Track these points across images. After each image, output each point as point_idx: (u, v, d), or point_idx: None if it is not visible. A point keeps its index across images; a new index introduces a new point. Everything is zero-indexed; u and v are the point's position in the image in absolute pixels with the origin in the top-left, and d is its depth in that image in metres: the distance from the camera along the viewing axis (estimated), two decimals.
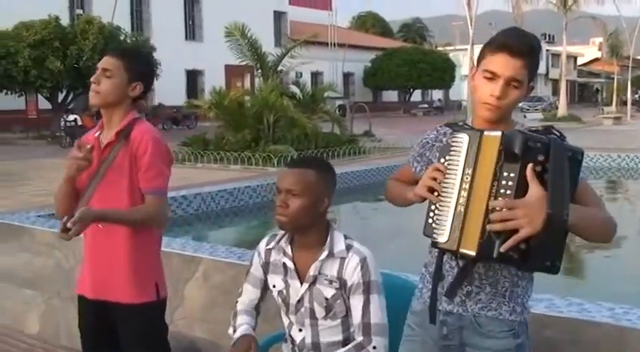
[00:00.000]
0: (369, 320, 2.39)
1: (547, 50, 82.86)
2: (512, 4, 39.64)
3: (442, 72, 53.81)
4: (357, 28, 75.32)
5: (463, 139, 2.03)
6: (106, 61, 2.82)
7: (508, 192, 1.88)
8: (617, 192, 14.03)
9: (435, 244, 2.05)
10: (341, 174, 11.52)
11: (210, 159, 16.83)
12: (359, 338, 2.40)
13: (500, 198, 1.87)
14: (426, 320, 2.21)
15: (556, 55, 77.68)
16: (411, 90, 56.04)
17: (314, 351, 2.51)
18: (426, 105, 55.59)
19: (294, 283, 2.50)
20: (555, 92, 72.57)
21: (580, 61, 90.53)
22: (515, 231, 1.83)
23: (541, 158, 1.87)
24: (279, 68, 20.15)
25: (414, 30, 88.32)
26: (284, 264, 2.53)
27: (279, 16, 49.91)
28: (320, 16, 51.11)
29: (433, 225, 2.04)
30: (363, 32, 69.30)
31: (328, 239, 2.47)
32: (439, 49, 67.56)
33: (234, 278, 3.85)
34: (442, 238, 2.01)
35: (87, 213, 2.64)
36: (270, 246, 2.60)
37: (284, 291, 2.53)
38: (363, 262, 2.42)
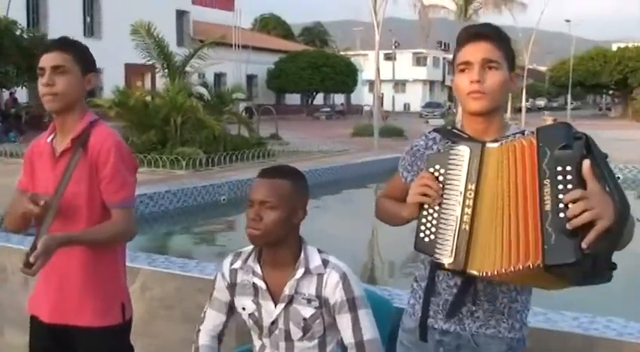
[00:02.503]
0: (362, 338, 2.26)
1: (444, 58, 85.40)
2: (419, 12, 40.56)
3: (345, 76, 54.27)
4: (259, 30, 74.97)
5: (464, 152, 1.93)
6: (55, 57, 2.50)
7: (569, 186, 1.71)
8: None
9: (438, 266, 1.94)
10: (247, 179, 11.40)
11: None
12: None
13: (561, 195, 1.70)
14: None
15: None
16: (314, 93, 56.29)
17: None
18: (328, 109, 55.91)
19: (267, 304, 2.33)
20: (451, 98, 74.82)
21: None
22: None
23: (584, 152, 1.74)
24: (186, 69, 19.74)
25: (315, 33, 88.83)
26: (254, 284, 2.35)
27: (181, 15, 48.94)
28: (223, 17, 50.50)
29: (435, 241, 1.93)
30: (265, 34, 69.11)
31: (302, 254, 2.31)
32: (341, 53, 68.16)
33: (176, 291, 3.65)
34: (446, 259, 1.90)
35: (50, 242, 2.32)
36: (235, 266, 2.40)
37: (255, 313, 2.36)
38: (344, 278, 2.28)
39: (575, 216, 1.65)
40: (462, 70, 2.03)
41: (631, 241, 1.91)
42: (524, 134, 2.06)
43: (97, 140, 2.53)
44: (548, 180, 1.73)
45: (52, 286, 2.58)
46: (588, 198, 1.66)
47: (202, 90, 20.28)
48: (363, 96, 63.31)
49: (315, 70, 51.74)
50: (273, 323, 2.33)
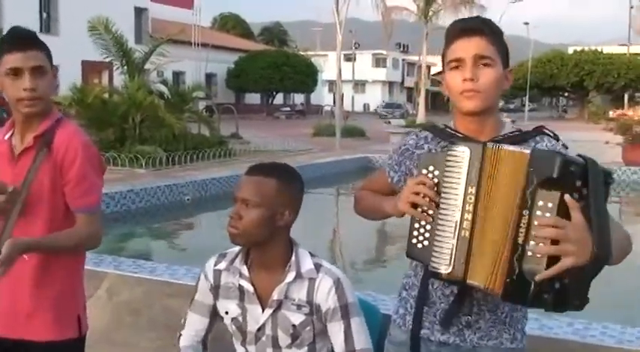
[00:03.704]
0: (354, 348, 2.12)
1: (403, 59, 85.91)
2: (382, 13, 40.56)
3: (305, 76, 54.11)
4: (219, 29, 74.46)
5: (464, 153, 1.77)
6: (34, 57, 2.27)
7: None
8: None
9: (436, 275, 1.77)
10: (212, 179, 11.20)
11: None
12: None
13: (534, 233, 1.60)
14: None
15: (411, 64, 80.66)
16: (274, 93, 56.03)
17: None
18: (288, 109, 55.72)
19: (254, 309, 2.17)
20: (410, 99, 75.24)
21: (433, 70, 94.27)
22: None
23: (578, 184, 1.61)
24: (146, 66, 19.37)
25: (275, 33, 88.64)
26: (240, 286, 2.18)
27: (139, 12, 48.21)
28: (182, 15, 49.81)
29: (430, 248, 1.77)
30: (224, 33, 68.58)
31: (293, 258, 2.15)
32: (301, 53, 68.01)
33: (145, 295, 3.44)
34: (444, 268, 1.74)
35: (16, 246, 2.11)
36: (219, 267, 2.23)
37: (239, 318, 2.19)
38: (338, 284, 2.13)
39: (541, 238, 1.58)
40: (454, 68, 1.90)
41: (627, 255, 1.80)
42: (521, 133, 1.94)
43: (63, 139, 2.33)
44: (527, 212, 1.62)
45: (1, 297, 2.34)
46: (563, 228, 1.56)
47: (162, 87, 19.94)
48: (322, 97, 63.25)
49: (275, 69, 51.46)
50: (259, 329, 2.18)
